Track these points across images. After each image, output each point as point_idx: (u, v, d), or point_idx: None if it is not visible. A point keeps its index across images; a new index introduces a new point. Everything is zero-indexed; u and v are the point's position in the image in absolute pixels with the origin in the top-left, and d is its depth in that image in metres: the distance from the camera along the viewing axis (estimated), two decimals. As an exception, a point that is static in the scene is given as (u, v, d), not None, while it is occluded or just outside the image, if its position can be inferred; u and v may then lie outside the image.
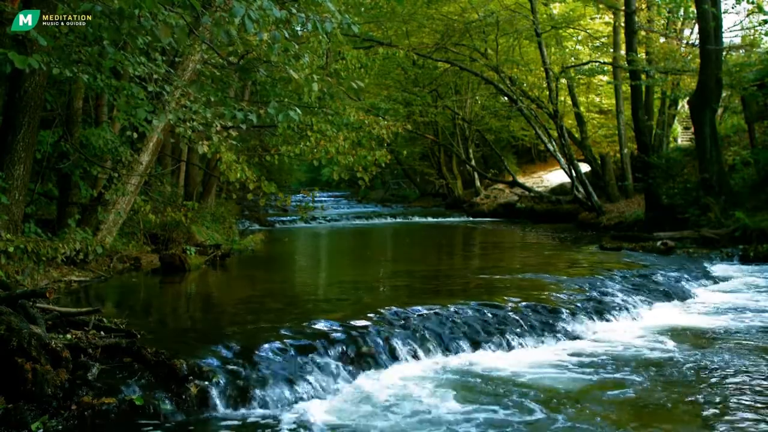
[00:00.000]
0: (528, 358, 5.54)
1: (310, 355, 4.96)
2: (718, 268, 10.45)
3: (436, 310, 6.26)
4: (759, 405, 4.30)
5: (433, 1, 21.24)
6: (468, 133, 29.53)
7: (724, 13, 15.39)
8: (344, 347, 5.21)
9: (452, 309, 6.35)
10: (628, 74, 17.38)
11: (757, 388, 4.63)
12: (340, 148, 9.05)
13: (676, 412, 4.24)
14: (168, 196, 12.85)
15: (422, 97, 24.61)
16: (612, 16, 20.61)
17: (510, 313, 6.41)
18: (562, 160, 20.86)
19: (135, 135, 8.66)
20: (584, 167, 21.61)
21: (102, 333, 5.12)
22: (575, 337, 6.24)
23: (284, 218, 23.17)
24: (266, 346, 4.94)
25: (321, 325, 5.58)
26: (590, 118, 25.74)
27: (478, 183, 29.97)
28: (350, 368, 5.02)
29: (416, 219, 24.85)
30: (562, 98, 22.61)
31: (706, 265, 10.55)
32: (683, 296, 8.26)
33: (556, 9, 23.53)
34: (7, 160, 7.78)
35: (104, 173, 9.61)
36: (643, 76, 16.41)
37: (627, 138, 20.28)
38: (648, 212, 15.47)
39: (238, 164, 8.45)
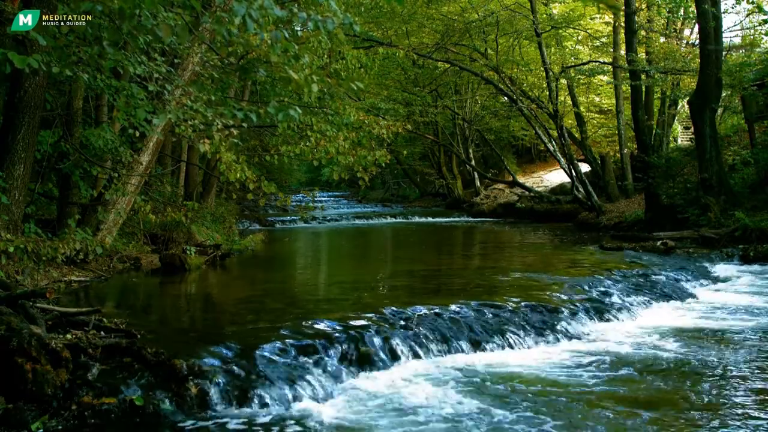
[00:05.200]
0: (528, 358, 5.54)
1: (310, 355, 4.97)
2: (718, 268, 10.45)
3: (436, 310, 6.27)
4: (759, 405, 4.30)
5: (433, 1, 21.24)
6: (468, 133, 29.52)
7: (724, 13, 15.40)
8: (344, 347, 5.21)
9: (452, 309, 6.36)
10: (628, 74, 17.37)
11: (758, 388, 4.64)
12: (340, 148, 9.04)
13: (675, 411, 4.24)
14: (168, 196, 12.85)
15: (422, 97, 24.61)
16: (612, 16, 20.60)
17: (510, 313, 6.41)
18: (562, 160, 20.86)
19: (136, 134, 8.66)
20: (584, 167, 21.61)
21: (102, 333, 5.13)
22: (575, 337, 6.25)
23: (284, 218, 23.16)
24: (266, 346, 4.95)
25: (321, 325, 5.59)
26: (590, 118, 25.73)
27: (478, 183, 29.96)
28: (350, 368, 5.03)
29: (416, 219, 24.84)
30: (562, 98, 22.61)
31: (706, 265, 10.54)
32: (683, 296, 8.25)
33: (556, 9, 23.52)
34: (7, 160, 7.78)
35: (104, 173, 9.60)
36: (643, 76, 16.40)
37: (627, 138, 20.29)
38: (648, 212, 15.47)
39: (238, 164, 8.44)
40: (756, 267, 10.55)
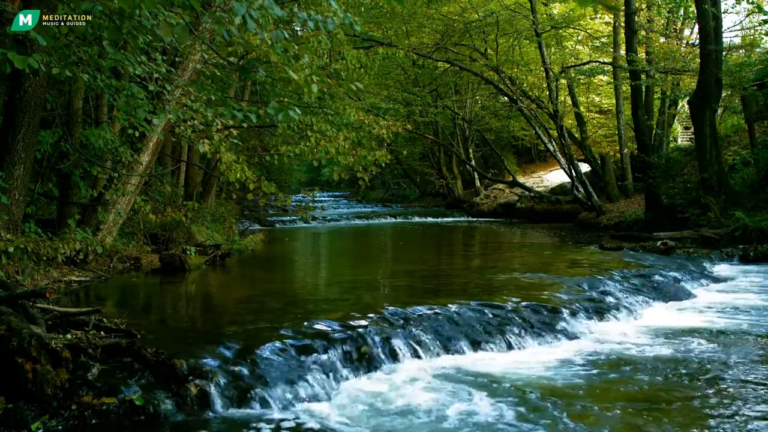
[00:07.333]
0: (528, 358, 5.54)
1: (310, 355, 4.96)
2: (717, 268, 10.45)
3: (436, 310, 6.27)
4: (758, 404, 4.30)
5: (433, 1, 21.25)
6: (468, 133, 29.53)
7: (724, 13, 15.40)
8: (344, 347, 5.20)
9: (452, 309, 6.35)
10: (628, 74, 17.37)
11: (756, 388, 4.63)
12: (340, 148, 9.05)
13: (675, 411, 4.24)
14: (168, 196, 12.86)
15: (422, 97, 24.61)
16: (612, 16, 20.62)
17: (510, 313, 6.41)
18: (562, 160, 20.87)
19: (136, 134, 8.66)
20: (584, 167, 21.61)
21: (102, 333, 5.13)
22: (575, 337, 6.25)
23: (284, 218, 23.17)
24: (266, 346, 4.94)
25: (321, 325, 5.58)
26: (590, 118, 25.74)
27: (478, 183, 29.96)
28: (350, 368, 5.03)
29: (416, 219, 24.85)
30: (562, 98, 22.61)
31: (705, 265, 10.55)
32: (683, 296, 8.26)
33: (556, 9, 23.53)
34: (7, 160, 7.78)
35: (104, 173, 9.61)
36: (643, 76, 16.40)
37: (627, 138, 20.30)
38: (648, 212, 15.48)
39: (238, 164, 8.44)
40: (756, 267, 10.56)
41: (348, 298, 7.44)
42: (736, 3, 15.55)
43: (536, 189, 25.63)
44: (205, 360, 4.57)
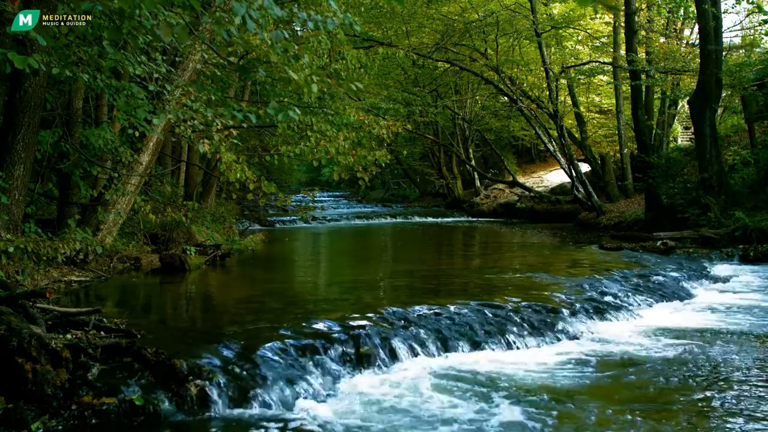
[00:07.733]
0: (528, 358, 5.54)
1: (310, 355, 4.97)
2: (718, 268, 10.45)
3: (436, 310, 6.27)
4: (758, 405, 4.30)
5: (433, 1, 21.25)
6: (468, 133, 29.53)
7: (724, 13, 15.41)
8: (344, 347, 5.21)
9: (452, 309, 6.36)
10: (628, 74, 17.38)
11: (757, 388, 4.64)
12: (340, 148, 9.05)
13: (675, 411, 4.24)
14: (168, 196, 12.86)
15: (422, 97, 24.60)
16: (612, 16, 20.62)
17: (510, 313, 6.41)
18: (562, 160, 20.88)
19: (136, 134, 8.66)
20: (584, 167, 21.62)
21: (102, 333, 5.13)
22: (575, 337, 6.25)
23: (284, 218, 23.17)
24: (266, 346, 4.95)
25: (321, 325, 5.59)
26: (590, 118, 25.74)
27: (478, 183, 29.96)
28: (350, 368, 5.03)
29: (416, 219, 24.85)
30: (562, 98, 22.61)
31: (705, 265, 10.55)
32: (683, 296, 8.25)
33: (556, 9, 23.54)
34: (7, 160, 7.78)
35: (104, 173, 9.61)
36: (643, 76, 16.41)
37: (627, 138, 20.30)
38: (648, 212, 15.48)
39: (238, 164, 8.44)
40: (756, 267, 10.56)
41: (348, 298, 7.44)
42: (736, 3, 15.55)
43: (536, 189, 25.63)
44: (205, 360, 4.57)
